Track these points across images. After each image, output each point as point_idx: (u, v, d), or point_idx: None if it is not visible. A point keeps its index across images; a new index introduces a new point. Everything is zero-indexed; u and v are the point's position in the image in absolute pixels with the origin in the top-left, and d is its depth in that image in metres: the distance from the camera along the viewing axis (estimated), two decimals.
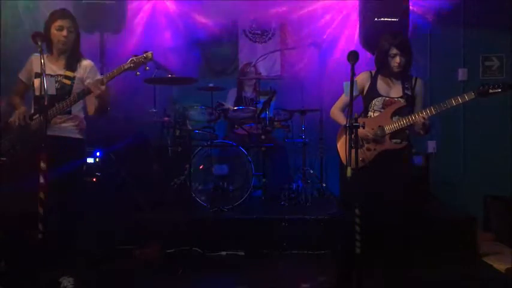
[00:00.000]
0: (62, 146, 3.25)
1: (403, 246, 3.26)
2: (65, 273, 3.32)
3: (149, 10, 5.95)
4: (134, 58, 3.20)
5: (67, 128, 3.35)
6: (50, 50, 3.40)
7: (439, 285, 3.61)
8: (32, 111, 3.34)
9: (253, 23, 6.10)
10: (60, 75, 3.35)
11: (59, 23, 3.34)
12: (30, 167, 2.89)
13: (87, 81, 3.36)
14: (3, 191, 3.35)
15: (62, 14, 3.39)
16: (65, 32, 3.34)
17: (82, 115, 3.47)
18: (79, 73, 3.39)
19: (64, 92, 3.30)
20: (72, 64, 3.39)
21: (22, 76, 3.46)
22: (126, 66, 3.19)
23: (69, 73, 3.35)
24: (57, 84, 3.31)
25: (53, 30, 3.35)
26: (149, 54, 3.20)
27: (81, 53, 3.50)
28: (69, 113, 3.34)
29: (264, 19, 6.05)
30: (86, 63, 3.45)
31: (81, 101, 3.37)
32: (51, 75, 3.32)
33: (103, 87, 3.19)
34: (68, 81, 3.33)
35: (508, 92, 3.12)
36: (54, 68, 3.37)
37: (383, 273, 3.30)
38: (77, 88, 3.34)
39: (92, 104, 3.37)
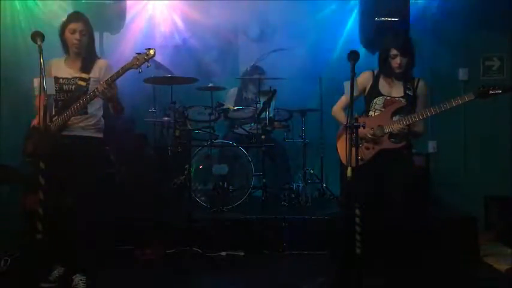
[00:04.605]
0: (80, 145, 3.34)
1: (403, 246, 3.26)
2: (64, 272, 3.35)
3: (148, 10, 5.95)
4: (138, 56, 3.21)
5: (84, 127, 3.39)
6: (67, 51, 3.44)
7: (439, 285, 3.60)
8: (53, 112, 3.37)
9: (253, 23, 6.09)
10: (76, 77, 3.39)
11: (72, 26, 3.38)
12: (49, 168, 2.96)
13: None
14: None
15: (75, 17, 3.44)
16: (77, 35, 3.37)
17: (100, 114, 3.50)
18: (94, 74, 3.42)
19: (80, 93, 3.34)
20: (87, 66, 3.43)
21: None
22: (129, 65, 3.21)
23: (84, 75, 3.39)
24: (72, 87, 3.36)
25: (67, 33, 3.39)
26: (151, 51, 3.21)
27: (96, 54, 3.53)
28: (86, 113, 3.38)
29: (263, 19, 6.04)
30: (101, 63, 3.49)
31: (99, 100, 3.42)
32: (68, 79, 3.37)
33: (107, 89, 3.20)
34: (83, 83, 3.38)
35: (508, 93, 3.12)
36: (71, 71, 3.42)
37: (383, 273, 3.30)
38: (93, 89, 3.37)
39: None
